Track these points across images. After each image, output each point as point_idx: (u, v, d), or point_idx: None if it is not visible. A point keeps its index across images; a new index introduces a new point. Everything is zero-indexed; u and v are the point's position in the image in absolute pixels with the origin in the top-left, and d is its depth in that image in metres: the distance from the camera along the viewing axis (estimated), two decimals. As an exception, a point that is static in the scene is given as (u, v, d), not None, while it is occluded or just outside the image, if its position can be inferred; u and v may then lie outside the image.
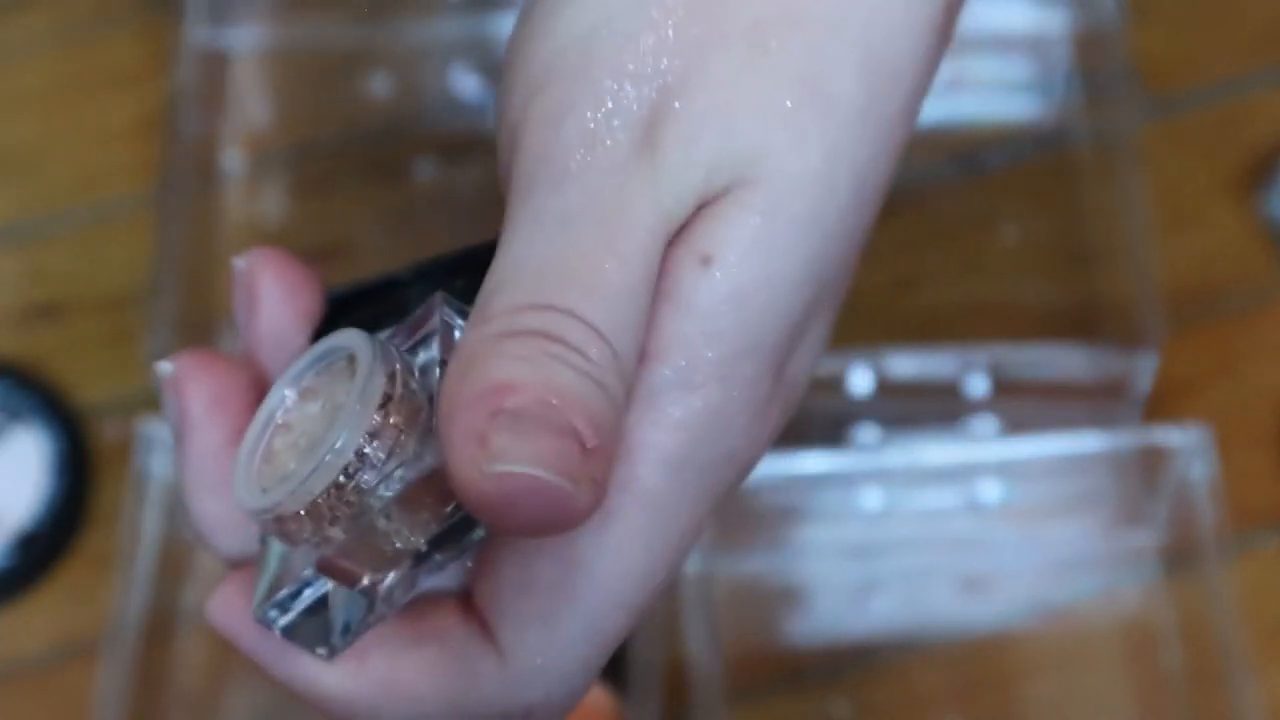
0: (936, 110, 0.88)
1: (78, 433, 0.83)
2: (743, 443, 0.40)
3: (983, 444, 0.80)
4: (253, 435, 0.40)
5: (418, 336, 0.40)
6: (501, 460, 0.36)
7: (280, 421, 0.40)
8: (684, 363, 0.39)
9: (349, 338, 0.40)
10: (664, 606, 0.75)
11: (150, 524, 0.78)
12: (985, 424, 0.81)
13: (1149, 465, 0.78)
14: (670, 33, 0.39)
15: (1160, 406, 0.81)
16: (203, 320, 0.82)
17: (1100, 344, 0.80)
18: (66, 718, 0.79)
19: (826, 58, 0.39)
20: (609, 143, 0.38)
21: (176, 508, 0.79)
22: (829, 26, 0.39)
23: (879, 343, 0.80)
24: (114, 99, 0.91)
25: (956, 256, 0.85)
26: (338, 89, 0.90)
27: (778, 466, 0.77)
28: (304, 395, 0.40)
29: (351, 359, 0.40)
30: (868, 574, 0.80)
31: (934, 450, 0.79)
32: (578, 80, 0.39)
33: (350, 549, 0.39)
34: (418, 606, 0.41)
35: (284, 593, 0.40)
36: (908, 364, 0.79)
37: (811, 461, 0.78)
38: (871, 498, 0.80)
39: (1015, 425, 0.81)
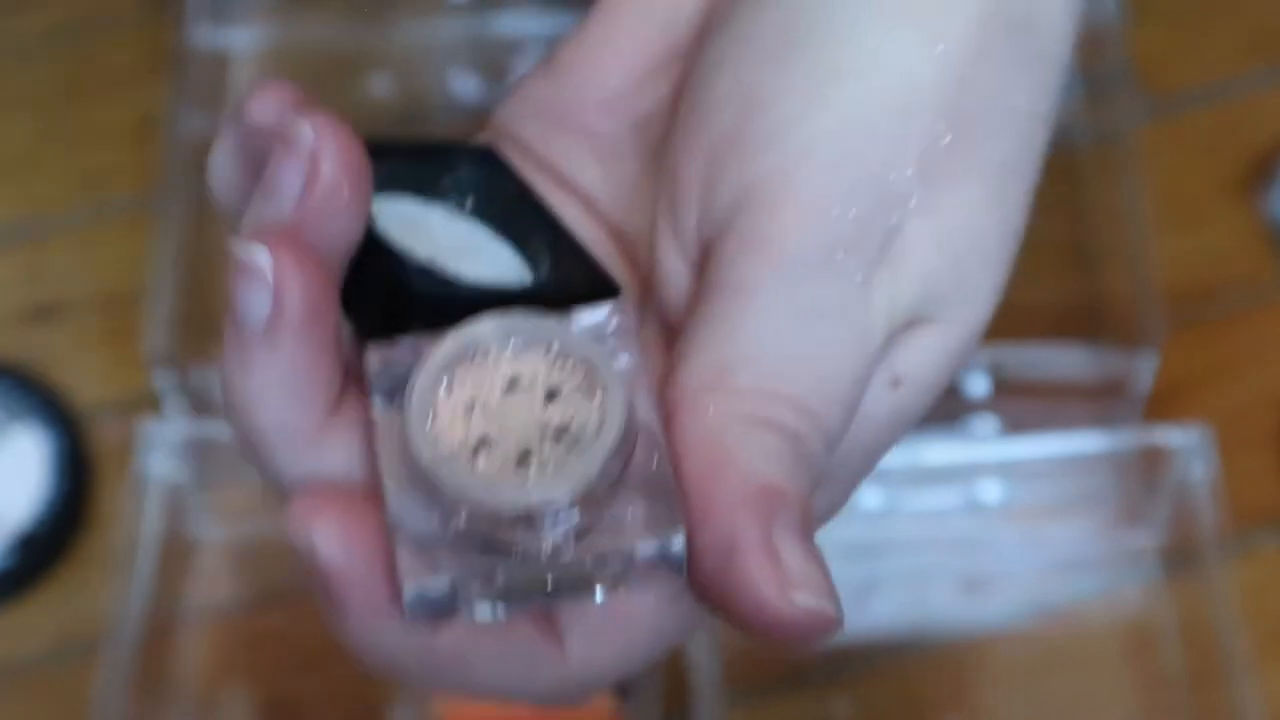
0: (936, 110, 0.88)
1: (78, 433, 0.83)
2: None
3: (983, 444, 0.80)
4: (451, 415, 0.39)
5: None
6: (802, 590, 0.37)
7: (483, 405, 0.39)
8: (834, 467, 0.40)
9: (571, 338, 0.39)
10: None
11: (150, 524, 0.78)
12: (985, 424, 0.81)
13: (1149, 465, 0.78)
14: (929, 154, 0.40)
15: (1160, 406, 0.81)
16: (202, 320, 0.82)
17: (1100, 344, 0.80)
18: (66, 718, 0.79)
19: (1015, 197, 0.42)
20: (865, 248, 0.40)
21: (176, 507, 0.80)
22: (1020, 162, 0.42)
23: (879, 343, 0.80)
24: (114, 99, 0.91)
25: (956, 256, 0.85)
26: (338, 89, 0.90)
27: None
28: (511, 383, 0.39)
29: (580, 360, 0.39)
30: (868, 574, 0.80)
31: (934, 450, 0.79)
32: (838, 173, 0.40)
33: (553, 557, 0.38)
34: None
35: (443, 579, 0.38)
36: (908, 364, 0.79)
37: (811, 461, 0.78)
38: (871, 498, 0.80)
39: (1015, 425, 0.81)
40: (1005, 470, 0.79)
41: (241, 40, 0.90)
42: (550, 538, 0.38)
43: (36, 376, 0.85)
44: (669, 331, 0.41)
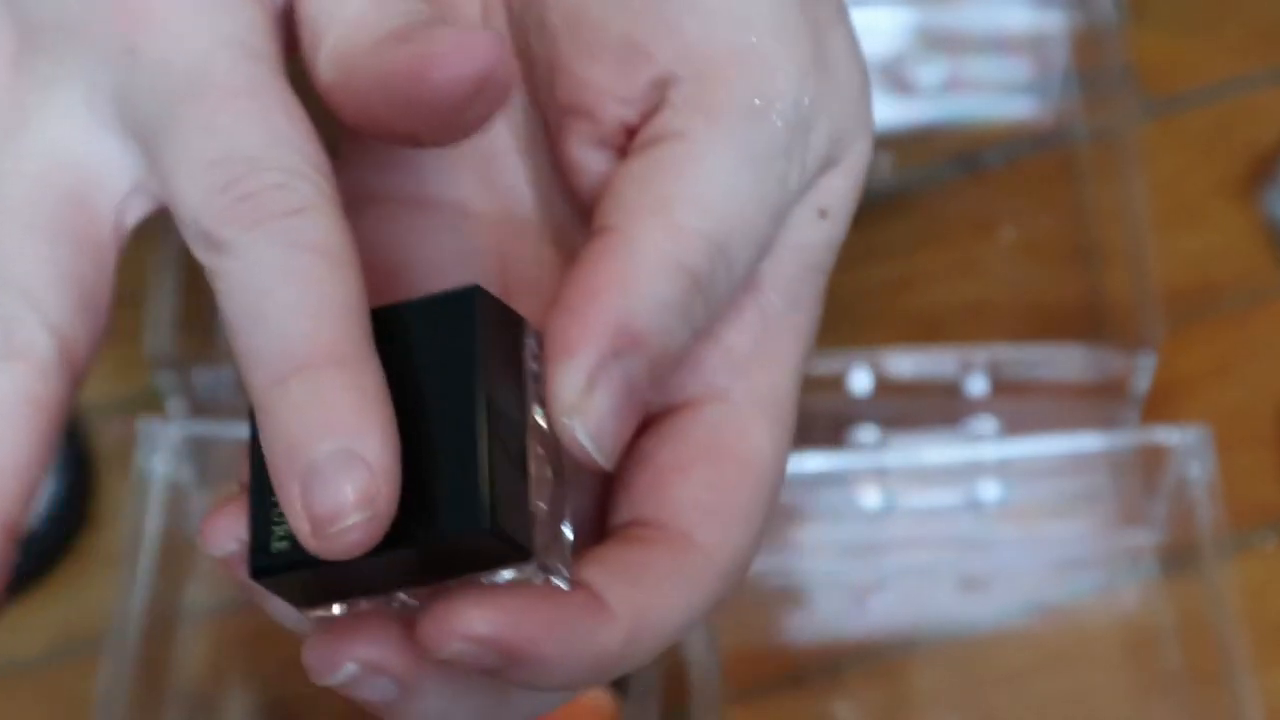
0: (936, 110, 0.88)
1: (78, 432, 0.83)
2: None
3: (983, 444, 0.80)
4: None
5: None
6: (584, 425, 0.41)
7: None
8: (793, 294, 0.45)
9: None
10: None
11: (151, 523, 0.78)
12: (985, 424, 0.81)
13: (1148, 465, 0.78)
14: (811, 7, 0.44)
15: (1160, 406, 0.81)
16: (202, 320, 0.82)
17: (1100, 344, 0.80)
18: (66, 718, 0.79)
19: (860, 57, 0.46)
20: (784, 98, 0.44)
21: (177, 507, 0.80)
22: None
23: (879, 343, 0.80)
24: (114, 99, 0.91)
25: (956, 256, 0.85)
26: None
27: (777, 466, 0.77)
28: None
29: None
30: (868, 574, 0.80)
31: (934, 450, 0.79)
32: (742, 39, 0.44)
33: None
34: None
35: None
36: (908, 364, 0.79)
37: (811, 461, 0.78)
38: (871, 498, 0.80)
39: (1015, 425, 0.81)
40: (1005, 470, 0.79)
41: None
42: None
43: (37, 376, 0.85)
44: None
